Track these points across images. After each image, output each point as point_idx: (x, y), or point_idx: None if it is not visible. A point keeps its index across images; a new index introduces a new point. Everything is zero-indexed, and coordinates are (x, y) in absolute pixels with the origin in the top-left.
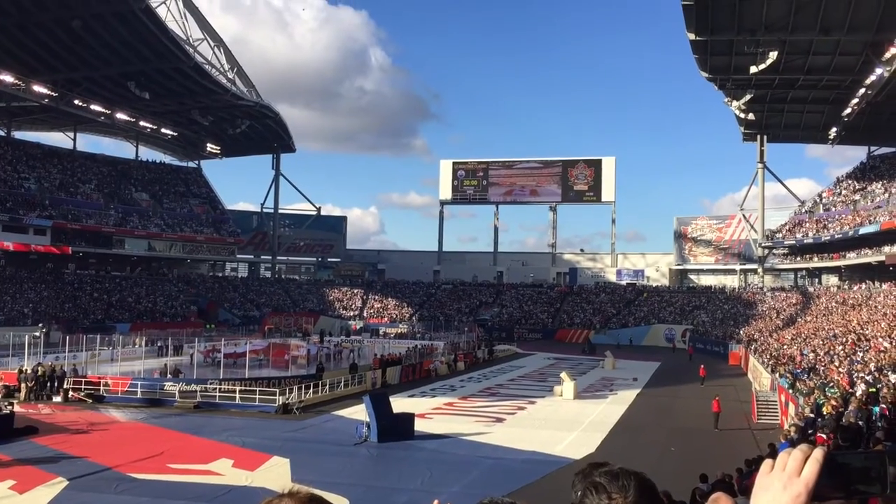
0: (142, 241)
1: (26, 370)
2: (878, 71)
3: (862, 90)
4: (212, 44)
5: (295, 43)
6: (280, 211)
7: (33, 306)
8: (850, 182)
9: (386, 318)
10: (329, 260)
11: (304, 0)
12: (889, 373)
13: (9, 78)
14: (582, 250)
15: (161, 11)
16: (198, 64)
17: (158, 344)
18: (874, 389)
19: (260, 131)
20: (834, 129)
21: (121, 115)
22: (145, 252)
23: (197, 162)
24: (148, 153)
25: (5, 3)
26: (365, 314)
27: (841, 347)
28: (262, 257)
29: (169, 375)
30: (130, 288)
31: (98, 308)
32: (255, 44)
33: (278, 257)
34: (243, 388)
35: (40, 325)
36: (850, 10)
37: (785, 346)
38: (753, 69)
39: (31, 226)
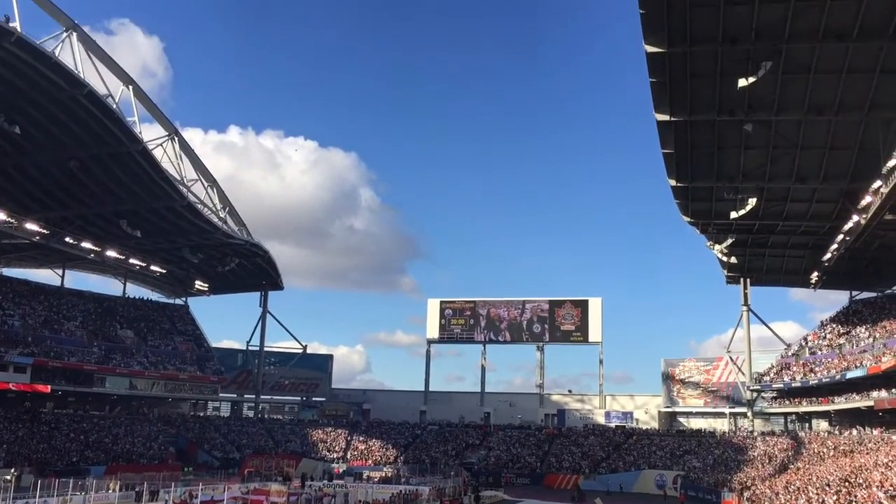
0: (123, 379)
1: None
2: (855, 218)
3: (840, 236)
4: (205, 184)
5: (286, 183)
6: (266, 349)
7: (7, 447)
8: (834, 326)
9: (370, 461)
10: (314, 399)
11: (296, 141)
12: None
13: (2, 216)
14: (570, 391)
15: (157, 153)
16: (191, 203)
17: (136, 489)
18: None
19: (249, 269)
20: (815, 274)
21: (111, 253)
22: (126, 391)
23: (184, 299)
24: (135, 290)
25: (4, 143)
26: (349, 456)
27: (835, 497)
28: (246, 396)
29: None
30: (108, 428)
31: (73, 449)
32: (247, 183)
33: (262, 396)
34: None
35: (13, 469)
36: (825, 160)
37: (780, 495)
38: (734, 214)
39: (12, 363)
